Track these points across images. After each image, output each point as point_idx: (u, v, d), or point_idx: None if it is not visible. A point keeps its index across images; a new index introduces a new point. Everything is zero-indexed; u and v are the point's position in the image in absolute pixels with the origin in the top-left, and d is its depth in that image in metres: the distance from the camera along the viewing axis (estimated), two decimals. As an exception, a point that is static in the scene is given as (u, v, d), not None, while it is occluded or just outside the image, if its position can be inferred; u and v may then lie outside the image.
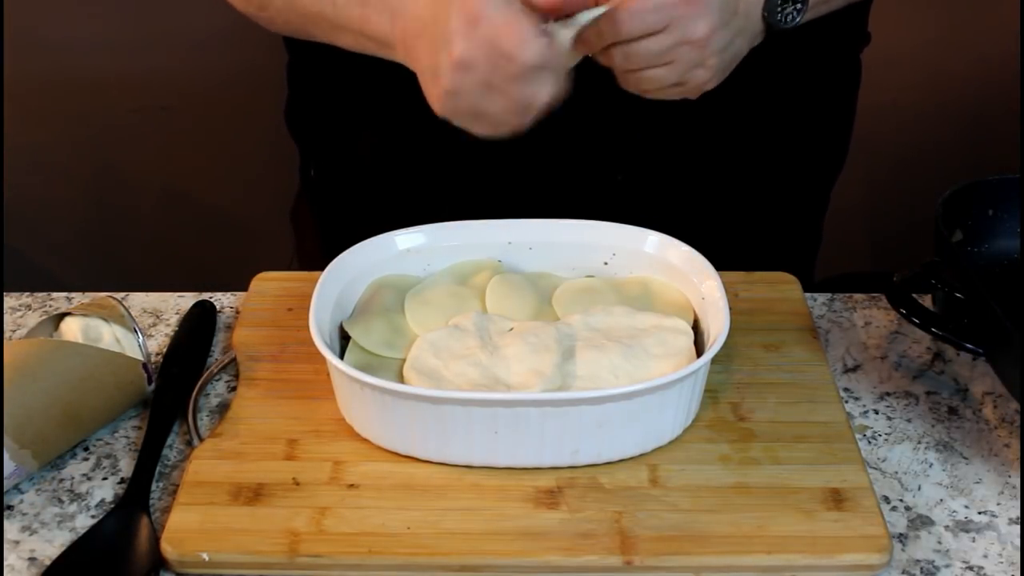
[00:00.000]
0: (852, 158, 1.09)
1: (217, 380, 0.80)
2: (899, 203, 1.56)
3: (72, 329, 0.75)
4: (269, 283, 0.87)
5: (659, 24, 0.69)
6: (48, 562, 0.66)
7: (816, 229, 1.09)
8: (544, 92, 0.69)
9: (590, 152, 0.92)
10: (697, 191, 0.96)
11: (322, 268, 0.79)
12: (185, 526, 0.66)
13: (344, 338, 0.76)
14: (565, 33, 0.69)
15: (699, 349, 0.75)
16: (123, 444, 0.75)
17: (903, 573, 0.66)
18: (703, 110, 0.79)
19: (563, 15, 0.69)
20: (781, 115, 0.95)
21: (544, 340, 0.73)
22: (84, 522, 0.69)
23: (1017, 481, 0.72)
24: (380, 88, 0.92)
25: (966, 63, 1.59)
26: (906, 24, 1.51)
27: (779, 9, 0.76)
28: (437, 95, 0.71)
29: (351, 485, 0.69)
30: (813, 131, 1.00)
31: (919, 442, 0.76)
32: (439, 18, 0.69)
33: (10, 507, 0.70)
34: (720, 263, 0.78)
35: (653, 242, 0.81)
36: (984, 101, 1.60)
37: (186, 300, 0.89)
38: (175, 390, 0.78)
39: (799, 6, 0.76)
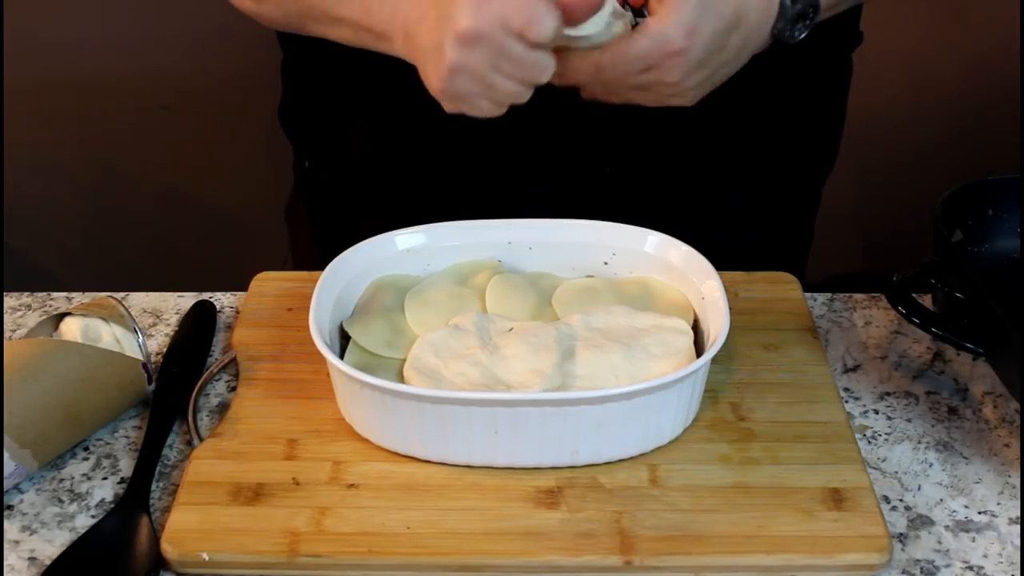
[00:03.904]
0: (847, 158, 1.09)
1: (217, 380, 0.81)
2: (895, 203, 1.56)
3: (72, 329, 0.75)
4: (269, 283, 0.87)
5: (638, 69, 0.71)
6: (48, 562, 0.66)
7: (808, 227, 1.09)
8: (550, 67, 0.70)
9: (577, 144, 0.92)
10: (685, 185, 0.96)
11: (316, 265, 0.79)
12: (185, 526, 0.66)
13: (344, 338, 0.76)
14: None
15: (699, 349, 0.75)
16: (123, 444, 0.75)
17: (903, 573, 0.66)
18: (692, 105, 0.80)
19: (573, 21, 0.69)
20: (771, 113, 0.96)
21: (544, 340, 0.73)
22: (84, 522, 0.69)
23: (1017, 481, 0.72)
24: (374, 84, 0.92)
25: (961, 63, 1.59)
26: (901, 24, 1.51)
27: (791, 27, 0.77)
28: (439, 74, 0.70)
29: (351, 485, 0.69)
30: (803, 129, 1.00)
31: (919, 442, 0.76)
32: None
33: (10, 507, 0.70)
34: (714, 261, 0.78)
35: (653, 242, 0.81)
36: (980, 100, 1.60)
37: (186, 300, 0.89)
38: (175, 390, 0.78)
39: (808, 22, 0.77)
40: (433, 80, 0.71)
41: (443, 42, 0.68)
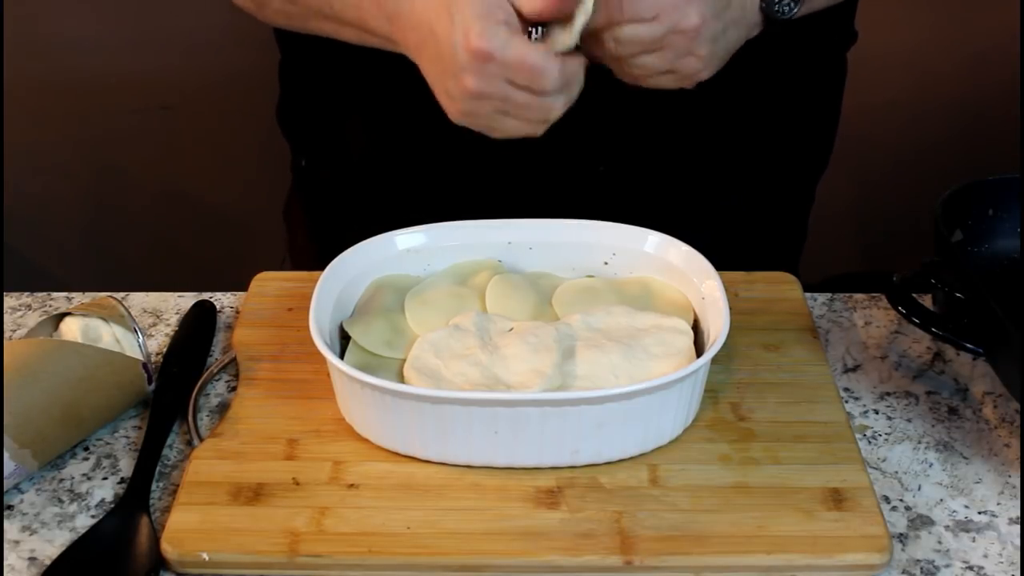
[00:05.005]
0: (846, 158, 1.09)
1: (217, 380, 0.81)
2: (894, 203, 1.56)
3: (72, 329, 0.75)
4: (269, 283, 0.87)
5: (650, 12, 0.70)
6: (48, 562, 0.66)
7: (802, 225, 1.09)
8: (561, 104, 0.71)
9: (571, 143, 0.92)
10: (679, 183, 0.96)
11: (314, 265, 0.79)
12: (185, 526, 0.66)
13: (344, 338, 0.76)
14: (563, 38, 0.69)
15: (699, 349, 0.75)
16: (123, 444, 0.75)
17: (903, 573, 0.66)
18: (686, 103, 0.80)
19: (556, 18, 0.69)
20: (765, 111, 0.96)
21: (544, 340, 0.73)
22: (84, 522, 0.69)
23: (1017, 481, 0.72)
24: (371, 84, 0.92)
25: (960, 62, 1.59)
26: (901, 24, 1.51)
27: (777, 1, 0.76)
28: (452, 112, 0.72)
29: (351, 485, 0.69)
30: (798, 128, 1.00)
31: (919, 442, 0.76)
32: (440, 37, 0.69)
33: (10, 507, 0.70)
34: (713, 261, 0.78)
35: (653, 242, 0.81)
36: (979, 100, 1.60)
37: (186, 300, 0.89)
38: (175, 390, 0.78)
39: None
40: (447, 112, 0.73)
41: (451, 91, 0.70)
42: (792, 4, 0.77)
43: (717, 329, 0.72)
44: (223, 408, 0.78)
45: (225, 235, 1.75)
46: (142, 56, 1.59)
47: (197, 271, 1.70)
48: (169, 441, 0.75)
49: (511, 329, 0.75)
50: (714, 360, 0.72)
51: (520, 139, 0.74)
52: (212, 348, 0.84)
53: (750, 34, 0.78)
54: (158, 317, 0.87)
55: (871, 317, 0.87)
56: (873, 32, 1.04)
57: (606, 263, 0.82)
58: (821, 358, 0.80)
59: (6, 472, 0.69)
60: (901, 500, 0.71)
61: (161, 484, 0.72)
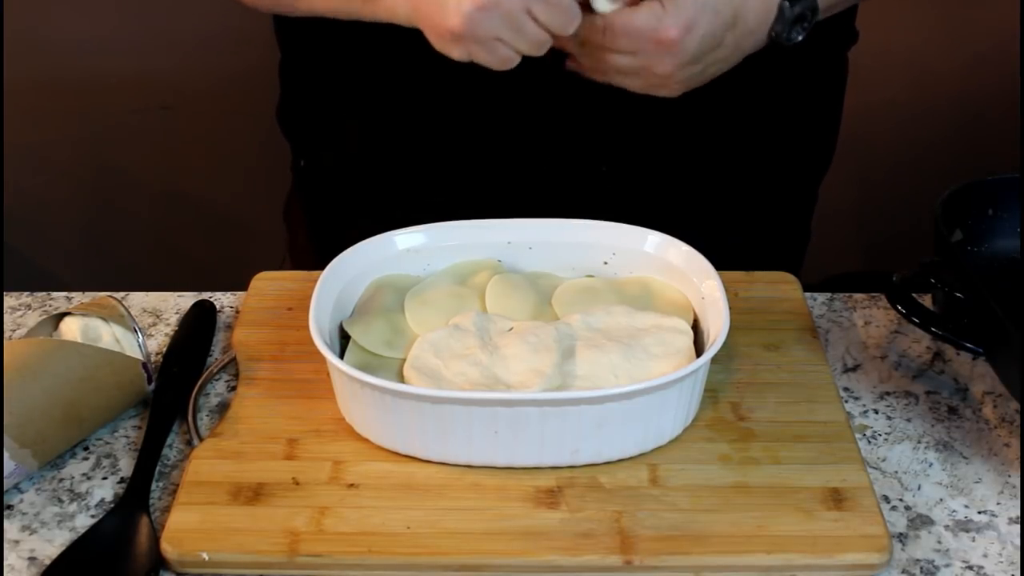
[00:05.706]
0: (846, 158, 1.09)
1: (217, 380, 0.81)
2: (895, 203, 1.56)
3: (72, 329, 0.75)
4: (269, 283, 0.87)
5: (629, 48, 0.72)
6: (48, 562, 0.66)
7: (805, 226, 1.09)
8: (578, 17, 0.70)
9: (573, 143, 0.92)
10: (681, 184, 0.97)
11: (314, 265, 0.79)
12: (185, 526, 0.66)
13: (344, 338, 0.76)
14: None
15: (699, 349, 0.75)
16: (123, 444, 0.75)
17: (903, 573, 0.66)
18: (687, 104, 0.80)
19: None
20: (767, 111, 0.96)
21: (544, 340, 0.73)
22: (84, 522, 0.69)
23: (1017, 481, 0.72)
24: (371, 84, 0.92)
25: (960, 62, 1.59)
26: (901, 24, 1.51)
27: (788, 30, 0.77)
28: (462, 12, 0.68)
29: (351, 485, 0.69)
30: (799, 128, 1.00)
31: (919, 442, 0.76)
32: None
33: (10, 507, 0.70)
34: (713, 261, 0.78)
35: (653, 242, 0.81)
36: (979, 100, 1.60)
37: (186, 300, 0.89)
38: (175, 390, 0.78)
39: (806, 24, 0.77)
40: (452, 19, 0.69)
41: None
42: (801, 31, 0.78)
43: (717, 329, 0.72)
44: (223, 408, 0.78)
45: (225, 235, 1.75)
46: (142, 56, 1.59)
47: (197, 271, 1.70)
48: (169, 441, 0.75)
49: (511, 329, 0.75)
50: (714, 360, 0.72)
51: (513, 135, 0.74)
52: (212, 348, 0.84)
53: (751, 52, 0.79)
54: (158, 317, 0.87)
55: (871, 317, 0.87)
56: (873, 32, 1.04)
57: (606, 263, 0.82)
58: (821, 358, 0.80)
59: (6, 472, 0.69)
60: (901, 500, 0.71)
61: (161, 484, 0.72)
